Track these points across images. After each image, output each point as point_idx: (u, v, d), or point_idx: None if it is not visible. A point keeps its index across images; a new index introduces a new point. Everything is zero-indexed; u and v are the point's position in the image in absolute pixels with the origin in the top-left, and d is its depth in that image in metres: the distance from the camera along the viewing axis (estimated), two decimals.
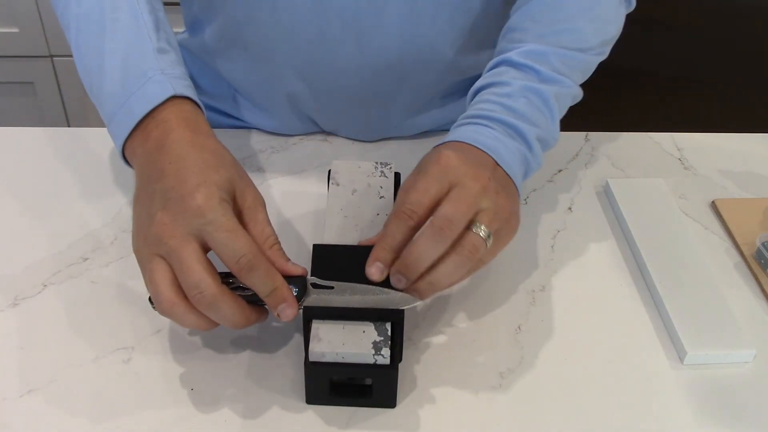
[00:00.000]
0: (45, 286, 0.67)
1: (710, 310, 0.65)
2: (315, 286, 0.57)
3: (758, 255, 0.71)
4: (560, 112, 0.69)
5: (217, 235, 0.53)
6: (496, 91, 0.67)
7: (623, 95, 1.59)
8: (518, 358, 0.62)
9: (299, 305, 0.56)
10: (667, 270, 0.69)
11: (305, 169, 0.80)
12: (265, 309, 0.57)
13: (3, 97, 1.69)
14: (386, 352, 0.56)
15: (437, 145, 0.64)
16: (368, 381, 0.58)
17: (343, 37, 0.75)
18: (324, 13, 0.74)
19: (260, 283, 0.54)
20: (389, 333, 0.57)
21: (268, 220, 0.58)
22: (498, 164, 0.61)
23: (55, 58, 1.61)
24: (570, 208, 0.77)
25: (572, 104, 0.72)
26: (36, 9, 1.54)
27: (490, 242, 0.58)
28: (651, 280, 0.68)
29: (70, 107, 1.70)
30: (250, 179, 0.59)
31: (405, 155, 0.82)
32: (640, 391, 0.61)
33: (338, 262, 0.59)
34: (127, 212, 0.74)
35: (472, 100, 0.69)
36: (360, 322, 0.57)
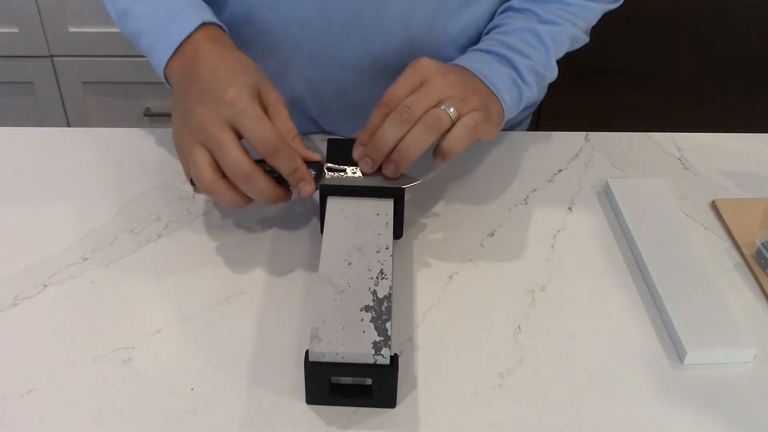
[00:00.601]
0: (45, 286, 0.67)
1: (710, 310, 0.65)
2: (330, 169, 0.68)
3: (758, 255, 0.71)
4: (557, 50, 0.77)
5: (248, 122, 0.62)
6: (496, 31, 0.78)
7: (623, 95, 1.59)
8: (518, 358, 0.62)
9: (316, 185, 0.66)
10: (667, 270, 0.69)
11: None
12: (289, 190, 0.66)
13: (3, 97, 1.69)
14: (386, 352, 0.56)
15: None
16: (368, 381, 0.58)
17: (345, 36, 0.76)
18: (326, 13, 0.74)
19: (284, 163, 0.63)
20: (389, 333, 0.57)
21: (289, 116, 0.66)
22: (480, 78, 0.71)
23: (55, 58, 1.61)
24: (570, 208, 0.77)
25: (574, 47, 0.80)
26: (36, 9, 1.54)
27: (453, 116, 0.66)
28: (651, 280, 0.68)
29: (70, 107, 1.70)
30: (272, 84, 0.67)
31: None
32: (640, 391, 0.61)
33: (349, 152, 0.69)
34: (127, 212, 0.74)
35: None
36: (360, 322, 0.57)
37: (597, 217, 0.76)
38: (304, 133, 0.86)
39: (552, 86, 0.86)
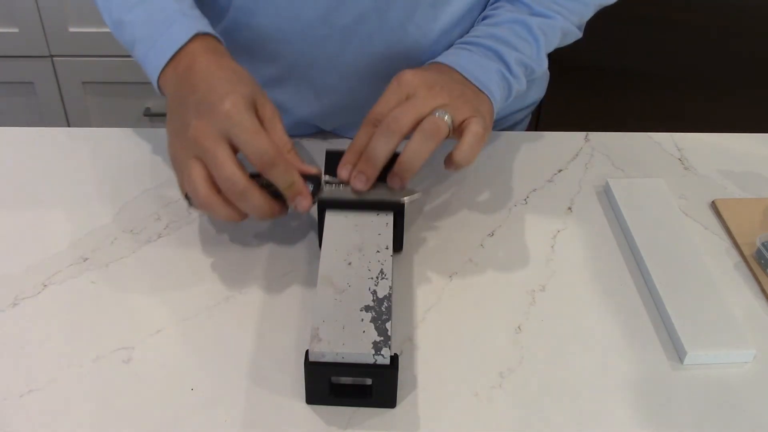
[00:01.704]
0: (45, 286, 0.67)
1: (710, 310, 0.65)
2: (328, 182, 0.66)
3: (758, 255, 0.71)
4: (548, 43, 0.76)
5: (244, 136, 0.61)
6: (486, 22, 0.77)
7: (623, 95, 1.58)
8: (518, 358, 0.62)
9: (314, 199, 0.64)
10: (667, 270, 0.69)
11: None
12: (285, 204, 0.65)
13: (3, 97, 1.69)
14: (386, 352, 0.56)
15: None
16: (368, 381, 0.58)
17: (346, 42, 0.76)
18: (327, 20, 0.74)
19: (280, 177, 0.62)
20: (389, 333, 0.57)
21: (285, 130, 0.65)
22: (466, 78, 0.70)
23: (55, 58, 1.61)
24: (570, 208, 0.77)
25: (565, 42, 0.80)
26: (36, 9, 1.54)
27: (449, 122, 0.65)
28: (651, 280, 0.68)
29: (70, 107, 1.70)
30: (267, 96, 0.66)
31: None
32: (640, 391, 0.61)
33: None
34: (127, 212, 0.74)
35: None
36: (360, 322, 0.57)
37: (597, 217, 0.76)
38: (305, 135, 0.86)
39: (552, 86, 0.86)
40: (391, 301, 0.59)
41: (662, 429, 0.58)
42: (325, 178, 0.67)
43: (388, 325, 0.57)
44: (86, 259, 0.69)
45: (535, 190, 0.79)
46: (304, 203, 0.64)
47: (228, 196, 0.62)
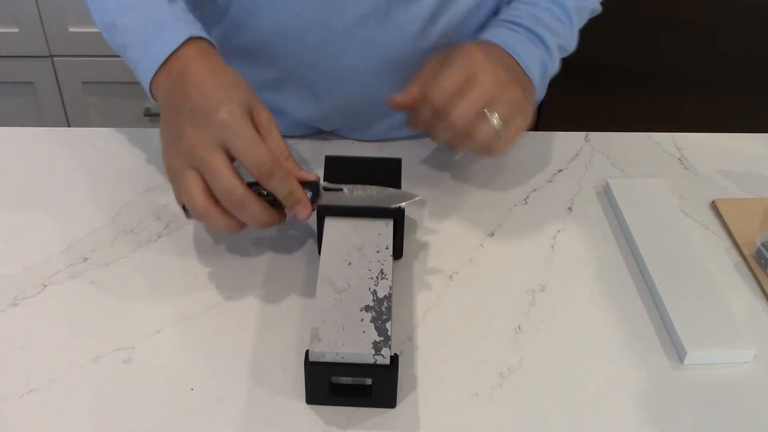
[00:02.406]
0: (45, 286, 0.67)
1: (710, 310, 0.65)
2: (326, 189, 0.65)
3: (758, 255, 0.71)
4: (579, 23, 0.80)
5: (240, 144, 0.60)
6: (525, 1, 0.78)
7: (623, 95, 1.59)
8: (518, 358, 0.62)
9: (313, 206, 0.64)
10: (667, 270, 0.69)
11: (305, 169, 0.80)
12: (284, 212, 0.64)
13: (3, 97, 1.69)
14: (386, 352, 0.56)
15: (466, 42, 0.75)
16: (368, 381, 0.58)
17: (346, 45, 0.75)
18: (327, 23, 0.74)
19: (279, 186, 0.61)
20: (389, 333, 0.57)
21: (281, 137, 0.64)
22: (518, 63, 0.73)
23: (55, 58, 1.61)
24: (570, 208, 0.77)
25: (590, 17, 0.83)
26: (36, 9, 1.54)
27: (502, 131, 0.69)
28: (651, 280, 0.68)
29: (70, 107, 1.70)
30: (263, 102, 0.65)
31: (405, 155, 0.82)
32: (640, 391, 0.61)
33: (347, 170, 0.68)
34: (127, 212, 0.74)
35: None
36: (360, 322, 0.57)
37: (597, 217, 0.76)
38: (305, 136, 0.86)
39: (552, 86, 0.86)
40: (391, 301, 0.59)
41: (662, 429, 0.58)
42: (323, 184, 0.66)
43: (388, 325, 0.57)
44: (86, 259, 0.69)
45: (535, 190, 0.79)
46: (303, 212, 0.63)
47: (226, 206, 0.61)
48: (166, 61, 0.65)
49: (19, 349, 0.62)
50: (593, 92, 1.57)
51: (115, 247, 0.70)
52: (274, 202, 0.63)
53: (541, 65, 0.75)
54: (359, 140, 0.85)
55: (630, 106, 1.59)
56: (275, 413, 0.58)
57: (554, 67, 0.78)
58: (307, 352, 0.56)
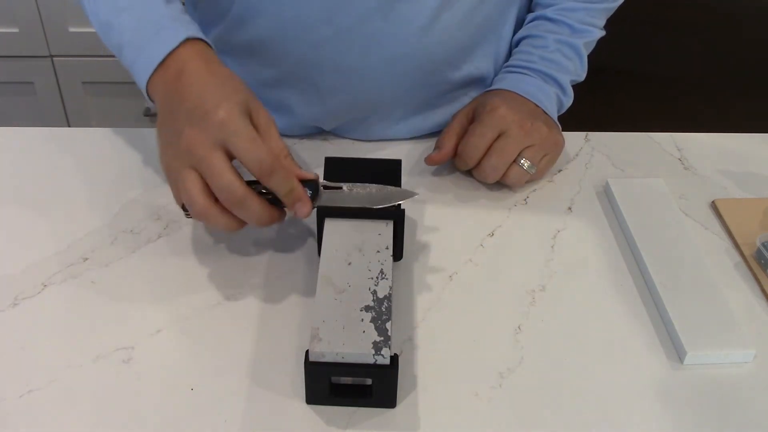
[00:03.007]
0: (45, 286, 0.67)
1: (710, 310, 0.65)
2: (326, 187, 0.66)
3: (758, 255, 0.71)
4: (587, 51, 0.85)
5: (240, 144, 0.60)
6: (533, 43, 0.83)
7: (623, 95, 1.59)
8: (518, 358, 0.62)
9: (313, 205, 0.64)
10: (667, 270, 0.69)
11: (305, 169, 0.80)
12: (283, 210, 0.64)
13: (3, 97, 1.69)
14: (386, 352, 0.56)
15: (485, 92, 0.81)
16: (368, 381, 0.58)
17: (350, 43, 0.75)
18: (330, 20, 0.74)
19: (280, 184, 0.62)
20: (389, 333, 0.57)
21: (280, 136, 0.64)
22: (538, 106, 0.78)
23: (55, 58, 1.61)
24: (570, 208, 0.77)
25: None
26: (36, 9, 1.54)
27: (532, 170, 0.76)
28: (651, 280, 0.68)
29: (70, 107, 1.70)
30: (261, 102, 0.65)
31: (405, 156, 0.83)
32: (640, 391, 0.61)
33: (347, 171, 0.68)
34: (127, 212, 0.74)
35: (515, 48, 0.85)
36: (360, 322, 0.57)
37: (597, 217, 0.76)
38: (306, 135, 0.86)
39: None
40: (391, 301, 0.59)
41: (662, 429, 0.58)
42: (323, 182, 0.66)
43: (388, 325, 0.57)
44: (86, 259, 0.69)
45: (535, 190, 0.79)
46: (303, 209, 0.63)
47: (226, 205, 0.61)
48: (162, 62, 0.65)
49: (19, 349, 0.62)
50: (593, 92, 1.57)
51: (115, 247, 0.70)
52: (273, 201, 0.63)
53: (558, 102, 0.81)
54: (359, 140, 0.85)
55: (630, 106, 1.59)
56: (275, 413, 0.58)
57: (569, 100, 0.83)
58: (307, 352, 0.56)
